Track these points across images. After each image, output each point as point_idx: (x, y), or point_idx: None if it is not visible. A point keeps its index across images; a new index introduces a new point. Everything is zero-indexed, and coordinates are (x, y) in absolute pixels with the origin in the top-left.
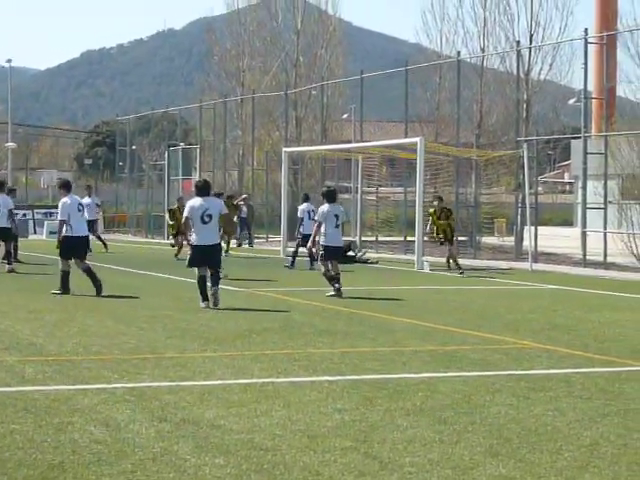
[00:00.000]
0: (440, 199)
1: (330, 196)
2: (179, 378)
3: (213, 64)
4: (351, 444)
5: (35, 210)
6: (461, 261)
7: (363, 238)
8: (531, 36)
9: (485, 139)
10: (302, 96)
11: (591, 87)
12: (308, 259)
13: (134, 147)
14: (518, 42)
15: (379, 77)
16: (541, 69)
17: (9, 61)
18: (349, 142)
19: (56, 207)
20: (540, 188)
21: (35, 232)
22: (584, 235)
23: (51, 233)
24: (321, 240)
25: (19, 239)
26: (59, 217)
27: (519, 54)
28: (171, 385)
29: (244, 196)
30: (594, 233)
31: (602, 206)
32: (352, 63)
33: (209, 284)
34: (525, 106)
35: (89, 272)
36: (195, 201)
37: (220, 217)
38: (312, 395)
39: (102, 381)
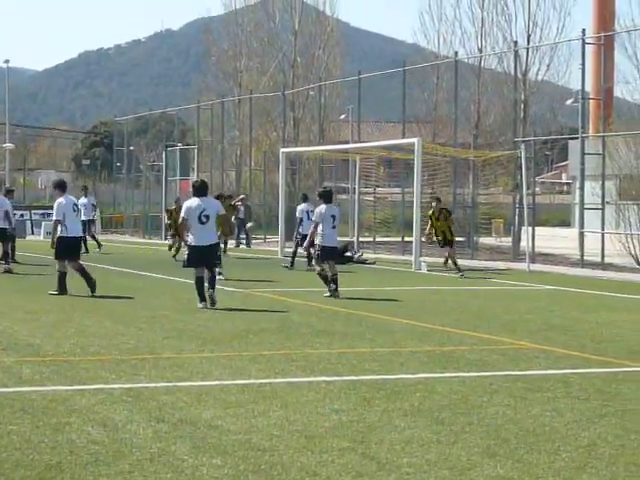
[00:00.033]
0: (438, 200)
1: (326, 197)
2: (176, 379)
3: (211, 65)
4: (349, 445)
5: (33, 211)
6: (459, 262)
7: (361, 239)
8: (529, 36)
9: (483, 139)
10: (300, 97)
11: (588, 88)
12: (307, 259)
13: (132, 148)
14: (516, 42)
15: (377, 78)
16: (539, 69)
17: (7, 62)
18: (347, 143)
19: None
20: (538, 189)
21: (33, 233)
22: (582, 236)
23: (48, 234)
24: (317, 240)
25: (16, 240)
26: (54, 217)
27: (517, 54)
28: (168, 386)
29: (242, 197)
30: (592, 234)
31: (600, 207)
32: (350, 64)
33: (206, 285)
34: (523, 106)
35: (82, 271)
36: (192, 201)
37: (218, 218)
38: (310, 396)
39: (99, 382)
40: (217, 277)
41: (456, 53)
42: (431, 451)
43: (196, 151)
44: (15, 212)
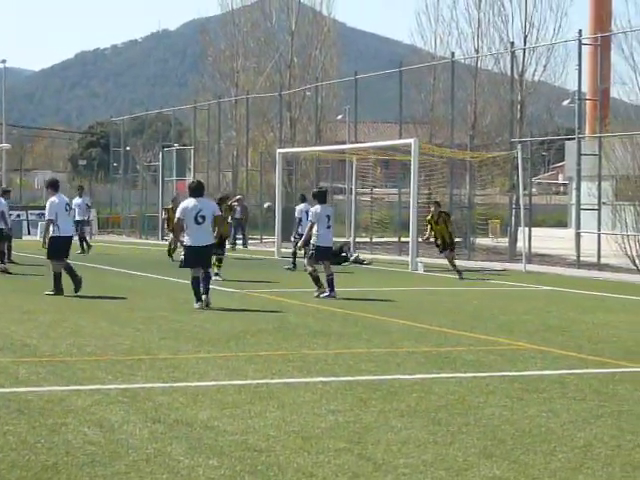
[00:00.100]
0: (437, 204)
1: (321, 197)
2: (173, 379)
3: (207, 65)
4: (345, 445)
5: (29, 211)
6: (456, 262)
7: (357, 239)
8: (525, 37)
9: (479, 140)
10: (296, 97)
11: (585, 88)
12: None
13: (128, 148)
14: (512, 43)
15: (373, 78)
16: (535, 70)
17: (3, 62)
18: (343, 143)
19: None
20: (534, 189)
21: (29, 233)
22: (578, 236)
23: None
24: (312, 240)
25: (13, 240)
26: (47, 216)
27: (513, 55)
28: (165, 386)
29: (238, 197)
30: (588, 234)
31: (596, 207)
32: (346, 64)
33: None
34: (519, 107)
35: (69, 270)
36: (189, 202)
37: (214, 218)
38: (306, 396)
39: (96, 382)
40: (214, 278)
41: (453, 54)
42: (428, 452)
43: (193, 151)
44: (11, 212)
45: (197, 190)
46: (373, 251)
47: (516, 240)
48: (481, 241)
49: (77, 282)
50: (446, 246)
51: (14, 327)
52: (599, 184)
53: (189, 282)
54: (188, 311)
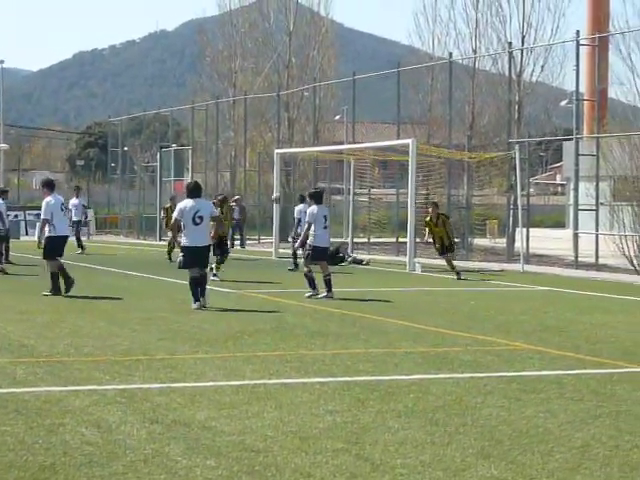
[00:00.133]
0: (435, 205)
1: (318, 197)
2: (170, 380)
3: (205, 65)
4: (343, 446)
5: (27, 211)
6: (454, 263)
7: (355, 239)
8: (523, 38)
9: (477, 141)
10: (294, 97)
11: (583, 89)
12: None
13: (126, 148)
14: (510, 44)
15: (371, 79)
16: (533, 71)
17: (1, 62)
18: (341, 143)
19: None
20: (532, 190)
21: (27, 233)
22: (576, 237)
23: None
24: (309, 240)
25: (11, 240)
26: (42, 216)
27: (511, 56)
28: (162, 387)
29: (236, 197)
30: (586, 235)
31: (594, 208)
32: (344, 64)
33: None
34: (517, 108)
35: (62, 270)
36: (186, 203)
37: (212, 219)
38: (304, 397)
39: (93, 382)
40: (212, 278)
41: (450, 54)
42: (425, 452)
43: (190, 152)
44: (9, 213)
45: (195, 191)
46: (371, 251)
47: (514, 240)
48: (479, 241)
49: (69, 283)
50: (444, 249)
51: (11, 327)
52: (597, 184)
53: (187, 283)
54: (186, 311)
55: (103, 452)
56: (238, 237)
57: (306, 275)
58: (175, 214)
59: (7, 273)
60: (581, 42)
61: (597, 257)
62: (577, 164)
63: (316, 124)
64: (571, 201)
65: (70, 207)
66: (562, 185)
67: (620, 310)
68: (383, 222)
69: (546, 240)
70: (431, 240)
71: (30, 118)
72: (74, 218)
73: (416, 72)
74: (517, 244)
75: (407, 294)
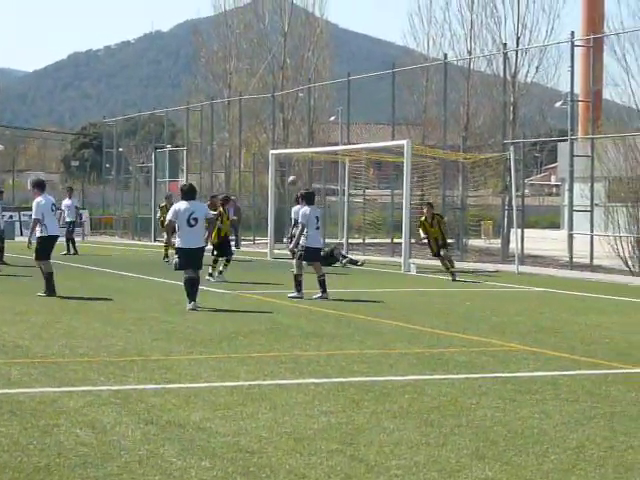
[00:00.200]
0: (430, 205)
1: (309, 198)
2: (165, 381)
3: (200, 66)
4: (337, 447)
5: (22, 212)
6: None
7: (350, 240)
8: (518, 39)
9: (472, 141)
10: (289, 98)
11: (578, 90)
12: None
13: (121, 149)
14: (505, 45)
15: (366, 79)
16: (528, 72)
17: None
18: (336, 144)
19: None
20: (527, 190)
21: (22, 234)
22: (571, 237)
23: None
24: (302, 241)
25: (5, 241)
26: (33, 216)
27: (506, 57)
28: (157, 388)
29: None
30: (580, 235)
31: (589, 209)
32: (339, 65)
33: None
34: (512, 108)
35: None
36: (181, 204)
37: (206, 221)
38: (298, 398)
39: (88, 383)
40: (208, 278)
41: (445, 55)
42: (420, 453)
43: (185, 152)
44: (4, 213)
45: (189, 193)
46: (366, 252)
47: (509, 241)
48: (474, 242)
49: (51, 289)
50: (439, 248)
51: (6, 328)
52: (592, 185)
53: (181, 283)
54: (180, 312)
55: (98, 453)
56: (233, 238)
57: (295, 277)
58: (169, 216)
59: (1, 274)
60: (576, 43)
61: (592, 258)
62: (572, 165)
63: (311, 125)
64: (566, 202)
65: (63, 208)
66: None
67: (615, 311)
68: (378, 223)
69: (541, 241)
70: (426, 240)
71: (25, 119)
72: (67, 219)
73: (411, 73)
74: (512, 245)
75: (402, 295)
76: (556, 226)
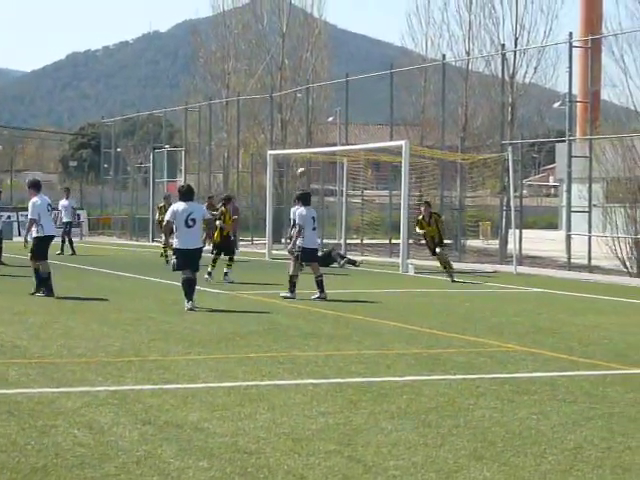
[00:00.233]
0: (428, 204)
1: (305, 199)
2: (163, 381)
3: (198, 66)
4: (335, 447)
5: (20, 212)
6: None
7: (348, 241)
8: (516, 39)
9: (470, 142)
10: (287, 99)
11: (576, 91)
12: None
13: (119, 149)
14: (503, 45)
15: (364, 80)
16: (526, 72)
17: None
18: (334, 145)
19: None
20: (525, 191)
21: (20, 234)
22: (569, 238)
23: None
24: (298, 242)
25: (3, 241)
26: (29, 216)
27: (504, 57)
28: (154, 388)
29: None
30: (579, 236)
31: (587, 209)
32: (337, 66)
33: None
34: (510, 109)
35: (38, 272)
36: (179, 205)
37: (204, 222)
38: (296, 398)
39: (86, 384)
40: (206, 277)
41: (444, 56)
42: (418, 454)
43: (184, 153)
44: (2, 214)
45: (187, 194)
46: (364, 253)
47: (507, 242)
48: (472, 243)
49: (39, 285)
50: (435, 247)
51: (4, 328)
52: (590, 186)
53: (178, 284)
54: (178, 312)
55: (95, 454)
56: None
57: (290, 278)
58: (167, 216)
59: None
60: (574, 44)
61: (590, 259)
62: (570, 166)
63: (309, 125)
64: (564, 203)
65: (60, 208)
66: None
67: (613, 312)
68: (376, 223)
69: (539, 241)
70: (424, 240)
71: (23, 119)
72: (64, 219)
73: (409, 74)
74: (510, 245)
75: (400, 295)
76: (554, 227)
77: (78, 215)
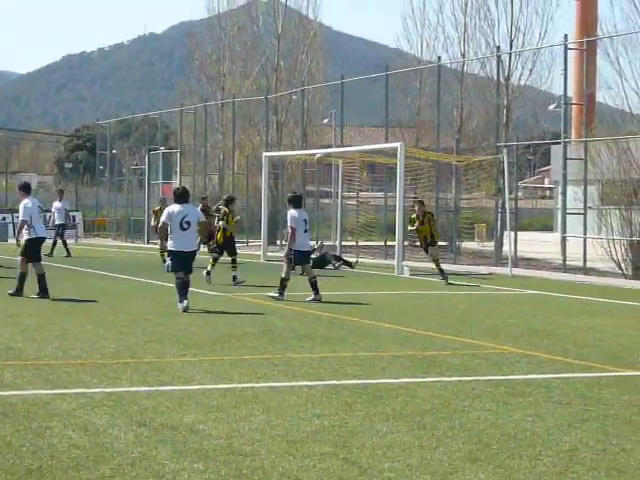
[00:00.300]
0: (421, 203)
1: (297, 202)
2: (158, 383)
3: (194, 68)
4: (330, 449)
5: (15, 214)
6: (442, 266)
7: (343, 242)
8: (511, 42)
9: (465, 144)
10: (283, 101)
11: (571, 93)
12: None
13: (114, 151)
14: (498, 47)
15: (359, 82)
16: (521, 74)
17: None
18: (329, 147)
19: None
20: (520, 193)
21: (14, 236)
22: (564, 240)
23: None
24: (290, 244)
25: None
26: (21, 217)
27: (499, 59)
28: (150, 390)
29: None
30: (574, 238)
31: (582, 211)
32: (332, 68)
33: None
34: (505, 111)
35: (24, 276)
36: (174, 207)
37: (199, 225)
38: (291, 400)
39: (81, 386)
40: (205, 275)
41: (439, 58)
42: (413, 456)
43: (179, 155)
44: None
45: (182, 196)
46: (359, 254)
47: (502, 244)
48: (467, 245)
49: (20, 288)
50: (427, 246)
51: None
52: (585, 188)
53: (173, 285)
54: (173, 314)
55: (90, 455)
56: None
57: (282, 280)
58: (163, 218)
59: None
60: (569, 46)
61: (585, 261)
62: (565, 168)
63: (304, 127)
64: (559, 205)
65: (53, 210)
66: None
67: (608, 314)
68: (371, 225)
69: (534, 243)
70: (418, 243)
71: (19, 121)
72: (57, 221)
73: (404, 76)
74: (505, 247)
75: (395, 297)
76: (549, 229)
77: (73, 217)
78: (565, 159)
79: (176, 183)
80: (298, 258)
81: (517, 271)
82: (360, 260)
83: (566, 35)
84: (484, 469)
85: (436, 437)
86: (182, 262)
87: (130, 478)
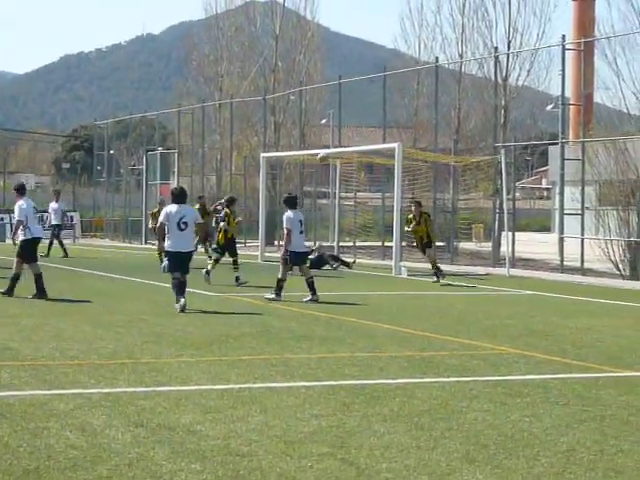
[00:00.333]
0: (418, 204)
1: (292, 202)
2: (155, 383)
3: (191, 69)
4: (328, 450)
5: (12, 214)
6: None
7: (341, 243)
8: (509, 42)
9: (463, 145)
10: (280, 101)
11: (569, 93)
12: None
13: (112, 151)
14: (496, 48)
15: (357, 82)
16: (519, 75)
17: None
18: (327, 147)
19: None
20: (518, 194)
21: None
22: (561, 241)
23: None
24: (286, 245)
25: None
26: (17, 218)
27: (497, 60)
28: (147, 390)
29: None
30: (571, 239)
31: (579, 212)
32: (330, 68)
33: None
34: (503, 112)
35: (17, 277)
36: (172, 208)
37: (196, 225)
38: (289, 401)
39: (78, 386)
40: (204, 274)
41: (437, 58)
42: (410, 456)
43: (177, 155)
44: None
45: (180, 197)
46: (357, 255)
47: (499, 244)
48: (465, 245)
49: (11, 288)
50: (424, 249)
51: None
52: (582, 189)
53: (169, 286)
54: (170, 315)
55: (87, 456)
56: None
57: (278, 281)
58: (161, 218)
59: None
60: (567, 47)
61: (582, 261)
62: (563, 168)
63: (302, 128)
64: (557, 205)
65: (50, 211)
66: (548, 189)
67: (606, 314)
68: (369, 226)
69: (532, 244)
70: (414, 244)
71: (16, 121)
72: (53, 222)
73: (402, 76)
74: (503, 248)
75: (393, 298)
76: (547, 229)
77: (71, 217)
78: (563, 160)
79: (174, 184)
80: (294, 259)
81: (515, 272)
82: (358, 260)
83: (564, 36)
84: (482, 469)
85: (434, 438)
86: (179, 262)
87: (127, 479)
